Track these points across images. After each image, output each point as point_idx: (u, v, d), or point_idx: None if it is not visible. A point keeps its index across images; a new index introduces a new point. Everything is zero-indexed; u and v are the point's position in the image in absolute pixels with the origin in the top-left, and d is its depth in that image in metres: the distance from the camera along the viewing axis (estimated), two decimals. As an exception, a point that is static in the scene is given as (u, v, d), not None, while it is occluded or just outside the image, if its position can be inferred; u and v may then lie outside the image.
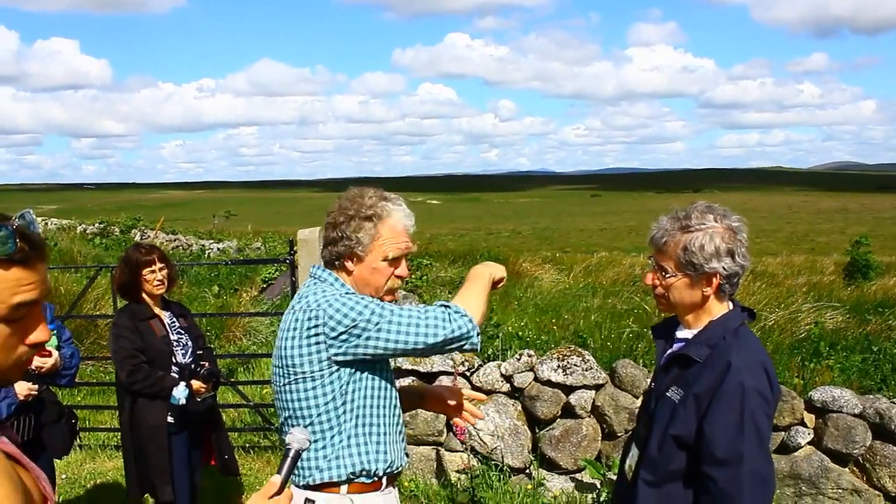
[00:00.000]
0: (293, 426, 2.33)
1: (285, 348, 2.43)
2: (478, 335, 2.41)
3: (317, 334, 2.36)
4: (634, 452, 2.58)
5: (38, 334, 1.34)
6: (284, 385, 2.47)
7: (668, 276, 2.42)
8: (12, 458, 1.29)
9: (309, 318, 2.37)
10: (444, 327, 2.35)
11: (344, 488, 2.45)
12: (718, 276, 2.35)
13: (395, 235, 2.49)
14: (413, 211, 2.59)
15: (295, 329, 2.40)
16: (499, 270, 2.62)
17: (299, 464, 2.42)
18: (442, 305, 2.43)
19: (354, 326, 2.33)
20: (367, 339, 2.34)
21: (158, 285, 4.42)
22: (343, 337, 2.34)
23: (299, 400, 2.45)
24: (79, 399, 8.08)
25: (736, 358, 2.29)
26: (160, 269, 4.42)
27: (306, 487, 2.44)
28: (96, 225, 24.66)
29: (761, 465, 2.27)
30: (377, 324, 2.33)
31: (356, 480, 2.45)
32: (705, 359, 2.35)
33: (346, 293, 2.42)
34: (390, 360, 2.65)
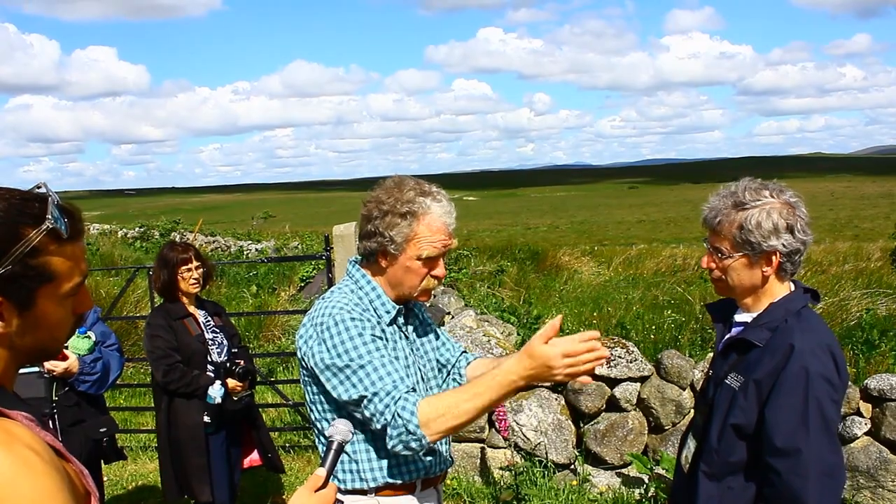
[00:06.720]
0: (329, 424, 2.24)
1: (299, 347, 2.35)
2: (420, 443, 2.10)
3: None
4: (692, 443, 2.45)
5: (85, 304, 1.37)
6: (303, 382, 2.40)
7: (724, 257, 2.28)
8: (57, 453, 1.27)
9: (307, 331, 2.30)
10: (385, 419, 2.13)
11: (371, 492, 2.34)
12: (778, 253, 2.21)
13: (432, 234, 2.26)
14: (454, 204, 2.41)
15: (300, 336, 2.33)
16: (539, 371, 2.08)
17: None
18: (402, 403, 2.11)
19: (327, 368, 2.23)
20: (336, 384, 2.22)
21: (194, 284, 4.41)
22: (316, 374, 2.28)
23: (311, 402, 2.37)
24: (120, 401, 8.10)
25: (799, 340, 2.15)
26: (196, 268, 4.41)
27: None
28: (136, 229, 25.01)
29: (828, 456, 2.12)
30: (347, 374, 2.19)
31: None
32: (766, 342, 2.21)
33: (352, 318, 2.24)
34: (430, 353, 2.53)
